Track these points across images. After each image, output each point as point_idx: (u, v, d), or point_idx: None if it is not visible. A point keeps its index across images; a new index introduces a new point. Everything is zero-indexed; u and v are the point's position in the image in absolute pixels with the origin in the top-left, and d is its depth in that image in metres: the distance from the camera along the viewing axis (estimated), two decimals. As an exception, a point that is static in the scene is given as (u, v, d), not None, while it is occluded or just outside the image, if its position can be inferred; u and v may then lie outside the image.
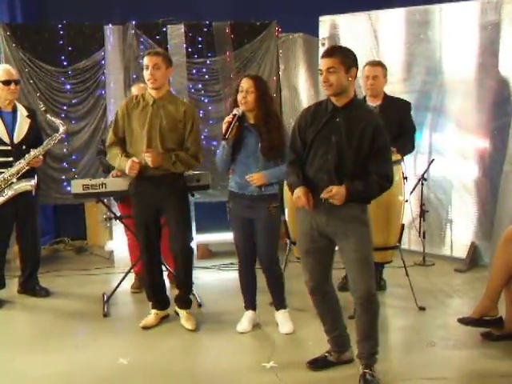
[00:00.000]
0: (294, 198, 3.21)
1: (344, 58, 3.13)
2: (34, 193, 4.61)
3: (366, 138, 3.11)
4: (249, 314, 4.16)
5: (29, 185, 4.61)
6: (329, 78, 3.12)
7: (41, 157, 4.68)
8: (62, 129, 4.71)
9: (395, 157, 4.09)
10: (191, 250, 4.23)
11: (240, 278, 4.15)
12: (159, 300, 4.30)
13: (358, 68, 3.21)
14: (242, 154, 3.88)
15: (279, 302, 4.13)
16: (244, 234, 4.02)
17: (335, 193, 3.06)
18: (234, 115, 3.79)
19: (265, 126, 3.82)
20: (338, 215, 3.16)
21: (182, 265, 4.18)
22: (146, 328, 4.15)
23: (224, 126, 3.80)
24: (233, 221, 4.08)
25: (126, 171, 3.99)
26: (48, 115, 4.80)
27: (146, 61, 3.99)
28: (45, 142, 4.71)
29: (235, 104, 3.86)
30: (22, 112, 4.78)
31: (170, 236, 4.17)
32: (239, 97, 3.81)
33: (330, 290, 3.42)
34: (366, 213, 3.22)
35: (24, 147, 4.66)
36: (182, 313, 4.22)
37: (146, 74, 3.97)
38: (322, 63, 3.16)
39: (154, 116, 4.00)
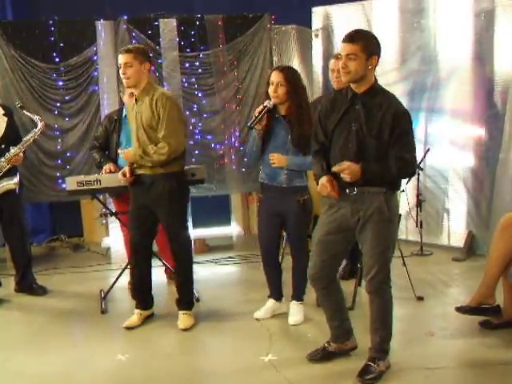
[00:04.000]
0: (319, 187, 3.18)
1: (366, 45, 3.01)
2: (17, 191, 4.52)
3: (386, 125, 3.01)
4: (269, 302, 4.18)
5: (12, 183, 4.53)
6: (348, 64, 3.01)
7: (21, 154, 4.63)
8: (40, 124, 4.64)
9: None
10: (188, 250, 4.15)
11: (264, 268, 4.15)
12: (144, 300, 4.23)
13: (379, 55, 3.08)
14: (271, 144, 3.88)
15: (297, 293, 4.12)
16: (270, 228, 4.02)
17: (346, 167, 3.01)
18: (265, 106, 3.78)
19: (296, 117, 3.80)
20: (361, 204, 3.11)
21: (181, 266, 4.14)
22: (129, 328, 4.09)
23: (254, 116, 3.80)
24: (261, 213, 4.08)
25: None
26: (24, 111, 4.74)
27: (119, 59, 3.88)
28: (24, 139, 4.63)
29: (266, 97, 3.84)
30: None
31: (168, 237, 4.12)
32: (270, 90, 3.80)
33: (332, 282, 3.35)
34: (392, 205, 3.13)
35: (3, 146, 4.60)
36: (180, 314, 4.14)
37: (120, 72, 3.88)
38: (343, 48, 3.03)
39: (138, 113, 3.92)
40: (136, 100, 3.95)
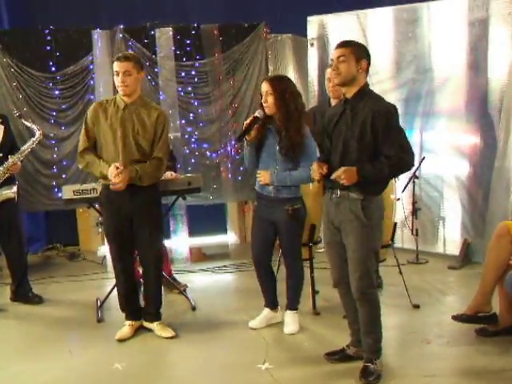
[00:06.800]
0: (312, 172, 3.36)
1: (355, 48, 3.22)
2: (16, 200, 4.51)
3: (367, 126, 3.14)
4: (265, 311, 4.18)
5: (11, 192, 4.53)
6: (338, 66, 3.19)
7: (19, 163, 4.64)
8: (37, 133, 4.65)
9: None
10: (161, 260, 4.18)
11: (257, 277, 4.15)
12: (133, 311, 4.19)
13: (369, 61, 3.25)
14: (264, 154, 3.93)
15: (291, 303, 4.12)
16: (262, 235, 4.04)
17: (341, 172, 3.11)
18: (255, 117, 3.81)
19: (284, 126, 3.82)
20: (342, 208, 3.24)
21: (155, 277, 4.11)
22: (121, 340, 4.04)
23: (243, 128, 3.82)
24: (255, 220, 4.11)
25: (111, 178, 3.80)
26: (22, 120, 4.75)
27: (115, 66, 3.83)
28: (22, 148, 4.64)
29: (261, 107, 3.87)
30: None
31: (140, 246, 4.06)
32: (262, 100, 3.84)
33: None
34: (370, 211, 3.20)
35: (1, 154, 4.60)
36: (154, 325, 4.12)
37: (117, 80, 3.83)
38: (334, 53, 3.26)
39: (127, 121, 3.87)
40: (124, 108, 3.89)
